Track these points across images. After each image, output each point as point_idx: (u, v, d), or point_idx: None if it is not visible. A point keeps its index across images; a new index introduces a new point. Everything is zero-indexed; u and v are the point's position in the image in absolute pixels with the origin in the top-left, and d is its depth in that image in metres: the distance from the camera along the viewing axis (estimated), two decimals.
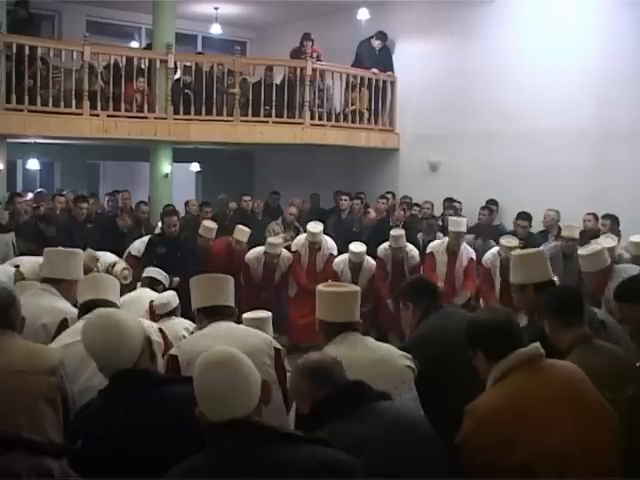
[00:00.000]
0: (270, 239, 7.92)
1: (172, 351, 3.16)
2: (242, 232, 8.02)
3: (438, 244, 7.67)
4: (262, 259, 7.82)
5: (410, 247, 7.77)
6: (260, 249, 7.85)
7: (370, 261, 7.77)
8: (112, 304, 3.34)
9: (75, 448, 1.85)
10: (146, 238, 7.72)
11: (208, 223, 8.07)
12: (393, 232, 7.67)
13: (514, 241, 6.83)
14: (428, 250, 7.65)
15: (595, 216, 7.89)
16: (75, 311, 3.59)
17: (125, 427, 2.24)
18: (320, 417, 2.25)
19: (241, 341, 2.98)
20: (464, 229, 7.58)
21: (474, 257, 7.54)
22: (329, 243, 8.13)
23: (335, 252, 8.07)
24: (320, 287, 3.13)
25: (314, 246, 7.94)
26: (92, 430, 2.27)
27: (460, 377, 2.80)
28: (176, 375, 2.82)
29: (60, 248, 4.26)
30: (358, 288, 3.18)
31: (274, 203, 10.89)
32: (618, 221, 7.70)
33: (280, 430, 1.91)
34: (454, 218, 7.77)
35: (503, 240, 6.89)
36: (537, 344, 2.46)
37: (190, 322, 4.83)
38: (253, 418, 1.88)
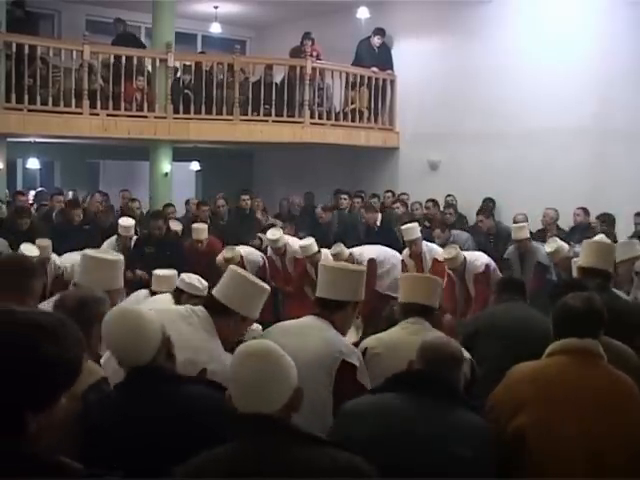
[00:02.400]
0: (269, 234, 7.50)
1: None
2: (200, 231, 7.62)
3: (405, 252, 7.35)
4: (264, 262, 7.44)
5: None
6: (258, 255, 7.48)
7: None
8: None
9: (115, 477, 1.82)
10: (114, 238, 7.36)
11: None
12: None
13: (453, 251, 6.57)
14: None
15: (585, 210, 8.10)
16: None
17: (134, 422, 2.24)
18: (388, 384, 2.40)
19: (300, 347, 2.77)
20: (417, 235, 7.15)
21: (439, 258, 6.95)
22: (293, 247, 7.53)
23: (299, 254, 7.40)
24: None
25: (278, 251, 7.48)
26: (100, 422, 2.28)
27: (485, 374, 2.88)
28: (189, 376, 2.69)
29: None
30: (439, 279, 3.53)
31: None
32: (614, 221, 7.69)
33: (302, 431, 1.92)
34: (405, 227, 7.35)
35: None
36: (597, 343, 2.57)
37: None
38: (278, 416, 1.89)
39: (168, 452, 2.09)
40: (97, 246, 6.47)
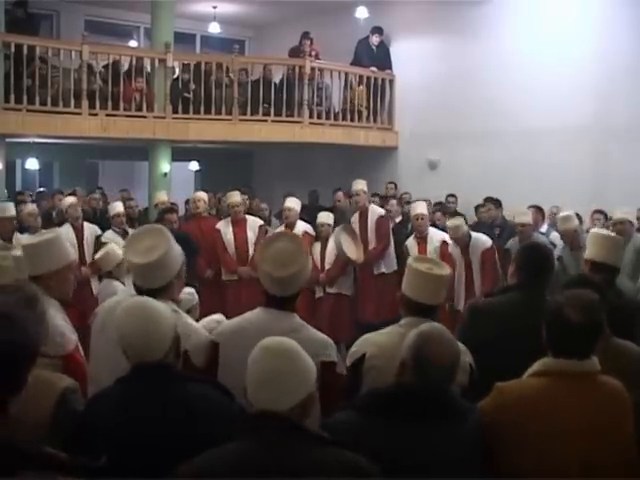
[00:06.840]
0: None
1: (214, 337, 2.89)
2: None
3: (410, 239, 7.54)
4: (229, 222, 7.71)
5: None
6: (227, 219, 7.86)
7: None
8: None
9: (99, 465, 1.84)
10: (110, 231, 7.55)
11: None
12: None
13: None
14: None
15: (604, 214, 7.86)
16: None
17: (135, 420, 2.21)
18: (375, 400, 2.20)
19: None
20: (424, 211, 7.49)
21: (447, 240, 7.21)
22: (303, 225, 7.80)
23: (311, 231, 7.77)
24: (412, 262, 2.96)
25: (288, 221, 7.69)
26: (101, 420, 2.23)
27: (504, 371, 2.52)
28: (197, 374, 2.66)
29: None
30: (448, 271, 3.02)
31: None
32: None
33: (308, 430, 1.91)
34: (415, 203, 7.79)
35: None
36: (596, 361, 2.34)
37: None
38: (289, 416, 1.88)
39: (171, 453, 2.07)
40: None
